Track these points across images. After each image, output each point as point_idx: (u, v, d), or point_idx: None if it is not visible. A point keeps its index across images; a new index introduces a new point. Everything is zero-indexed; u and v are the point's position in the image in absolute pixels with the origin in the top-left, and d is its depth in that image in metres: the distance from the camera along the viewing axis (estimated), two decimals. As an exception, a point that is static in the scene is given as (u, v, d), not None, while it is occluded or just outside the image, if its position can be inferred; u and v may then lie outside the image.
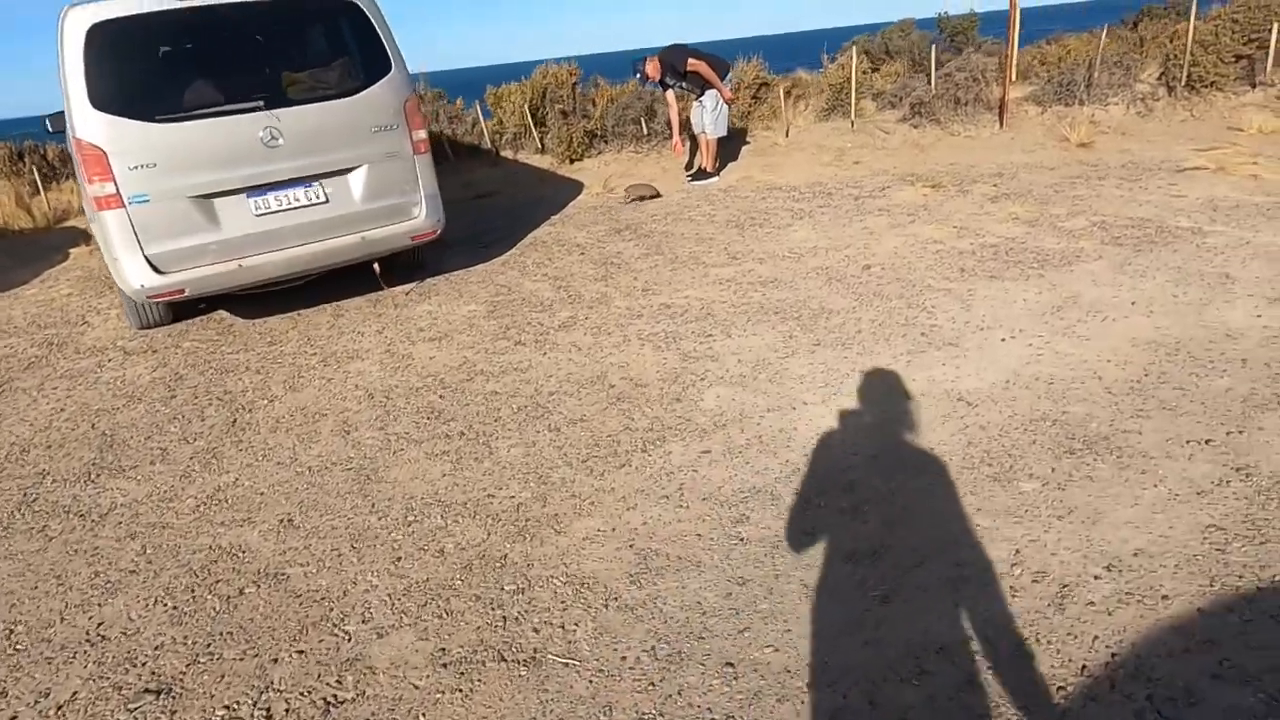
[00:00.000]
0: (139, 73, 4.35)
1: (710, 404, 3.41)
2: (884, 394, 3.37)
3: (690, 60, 7.77)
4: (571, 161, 9.41)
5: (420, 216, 5.13)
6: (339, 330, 4.78)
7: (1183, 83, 8.18)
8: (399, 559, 2.56)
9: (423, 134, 5.09)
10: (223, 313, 5.31)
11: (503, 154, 9.88)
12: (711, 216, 6.63)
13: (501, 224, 7.10)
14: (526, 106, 9.57)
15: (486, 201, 8.33)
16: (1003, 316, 4.05)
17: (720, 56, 8.01)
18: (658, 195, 7.58)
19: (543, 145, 9.61)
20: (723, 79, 8.00)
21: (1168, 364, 3.38)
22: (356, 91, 4.81)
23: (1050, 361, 3.52)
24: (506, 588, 2.37)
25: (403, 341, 4.50)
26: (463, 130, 10.01)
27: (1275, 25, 7.83)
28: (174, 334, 5.00)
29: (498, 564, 2.49)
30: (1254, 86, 8.06)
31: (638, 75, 7.98)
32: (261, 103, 4.51)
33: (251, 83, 4.62)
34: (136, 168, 4.28)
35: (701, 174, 8.23)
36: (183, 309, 5.23)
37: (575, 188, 8.40)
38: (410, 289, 5.42)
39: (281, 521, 2.84)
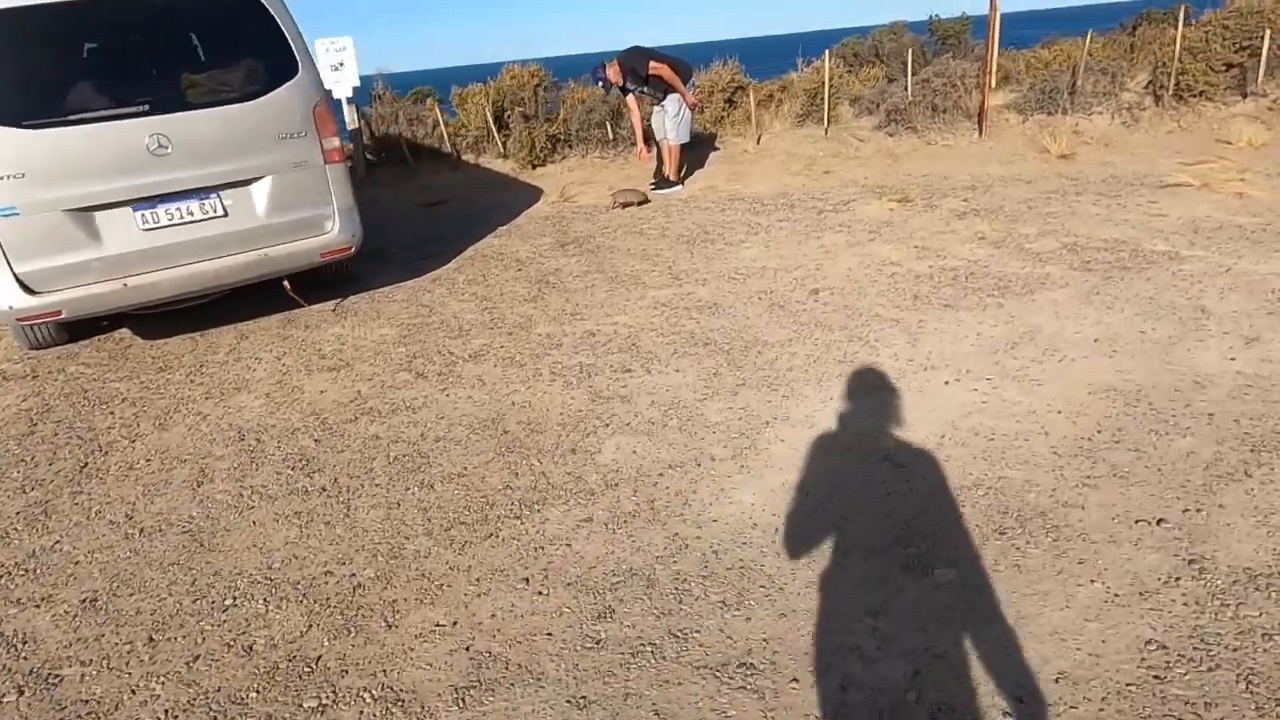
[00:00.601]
0: (6, 74, 3.95)
1: (607, 457, 3.01)
2: (801, 450, 2.97)
3: (652, 64, 7.37)
4: (534, 167, 9.01)
5: (333, 231, 4.73)
6: (237, 355, 4.38)
7: (1170, 92, 7.78)
8: (196, 658, 2.16)
9: (335, 141, 4.69)
10: (125, 332, 4.92)
11: (464, 158, 9.48)
12: (664, 230, 6.24)
13: (447, 234, 6.70)
14: (489, 109, 9.17)
15: (439, 209, 7.94)
16: (950, 354, 3.65)
17: (683, 59, 7.62)
18: (646, 201, 7.27)
19: (505, 149, 9.21)
20: (685, 83, 7.61)
21: (1125, 417, 2.98)
22: (258, 95, 4.41)
23: (995, 411, 3.12)
24: (306, 704, 1.98)
25: (299, 371, 4.10)
26: (423, 133, 9.61)
27: (1268, 32, 7.43)
28: (64, 356, 4.60)
29: (307, 669, 2.09)
30: (1245, 96, 7.66)
31: (599, 82, 7.58)
32: (145, 107, 4.11)
33: (138, 85, 4.22)
34: (2, 178, 3.88)
35: (664, 182, 7.84)
36: (81, 327, 4.84)
37: (533, 195, 8.01)
38: (332, 306, 5.02)
39: (84, 602, 2.44)
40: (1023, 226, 5.43)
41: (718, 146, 8.90)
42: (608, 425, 3.25)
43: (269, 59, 4.45)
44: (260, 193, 4.48)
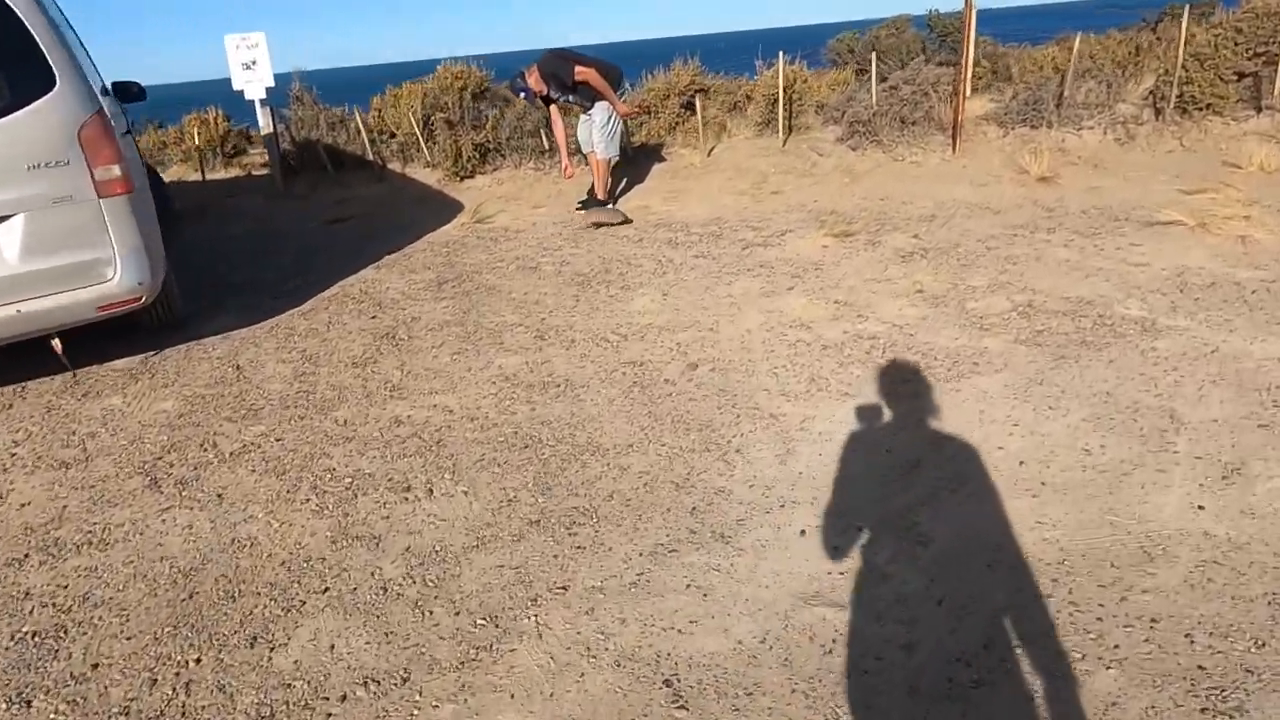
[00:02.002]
0: None
1: (287, 661, 2.13)
2: (559, 661, 2.07)
3: (577, 68, 6.44)
4: (461, 179, 8.14)
5: (114, 280, 3.86)
6: (-26, 436, 3.54)
7: (1171, 104, 6.76)
8: None
9: (115, 170, 3.82)
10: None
11: (391, 167, 8.62)
12: (562, 266, 5.34)
13: (322, 263, 5.85)
14: (413, 113, 8.29)
15: (338, 227, 7.09)
16: (823, 482, 2.74)
17: (611, 62, 6.68)
18: (627, 221, 6.43)
19: (432, 159, 8.33)
20: (615, 88, 6.69)
21: (1027, 622, 2.06)
22: (-1, 116, 3.56)
23: (848, 598, 2.21)
24: None
25: (24, 465, 3.26)
26: (346, 139, 8.75)
27: (1288, 37, 6.40)
28: None
29: None
30: (1259, 111, 6.63)
31: (519, 92, 6.64)
32: None
33: None
34: None
35: (592, 201, 6.92)
36: None
37: (449, 212, 7.14)
38: (135, 364, 4.17)
39: None
40: (973, 276, 4.48)
41: (665, 157, 7.97)
42: (323, 592, 2.37)
43: (12, 69, 3.59)
44: (8, 235, 3.62)
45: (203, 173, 8.70)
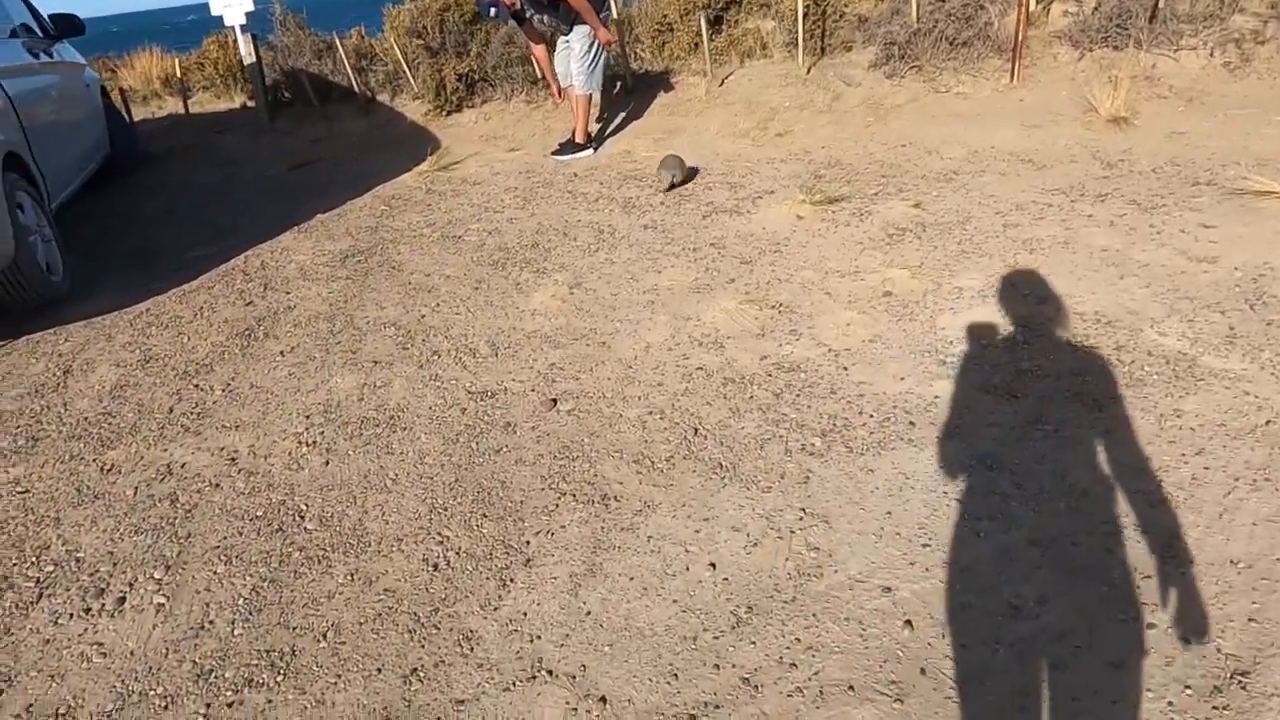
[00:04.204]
0: None
1: None
2: None
3: (555, -17, 5.45)
4: (447, 114, 7.31)
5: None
6: None
7: (1306, 16, 5.17)
8: None
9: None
10: None
11: (380, 98, 7.85)
12: (489, 235, 4.53)
13: (247, 224, 5.23)
14: (396, 39, 7.45)
15: (296, 175, 6.45)
16: (620, 631, 1.93)
17: (593, -21, 5.62)
18: (690, 175, 5.14)
19: (418, 89, 7.52)
20: (599, 11, 5.67)
21: None
22: None
23: None
24: None
25: None
26: (333, 68, 8.01)
27: None
28: None
29: None
30: None
31: (488, 9, 5.64)
32: None
33: None
34: None
35: (569, 144, 6.02)
36: None
37: (418, 156, 6.34)
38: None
39: None
40: (968, 272, 3.42)
41: (673, 86, 6.87)
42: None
43: None
44: None
45: (185, 106, 8.17)
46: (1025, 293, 3.20)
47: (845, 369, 2.85)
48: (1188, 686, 1.66)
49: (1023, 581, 1.94)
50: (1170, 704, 1.63)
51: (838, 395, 2.71)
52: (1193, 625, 1.78)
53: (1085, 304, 3.07)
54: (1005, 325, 3.00)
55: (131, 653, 2.03)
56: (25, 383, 3.47)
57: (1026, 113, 5.36)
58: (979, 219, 3.92)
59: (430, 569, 2.18)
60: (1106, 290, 3.15)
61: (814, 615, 1.92)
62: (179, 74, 8.35)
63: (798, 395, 2.74)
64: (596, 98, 6.08)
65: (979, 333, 2.96)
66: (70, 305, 4.17)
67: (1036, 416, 2.49)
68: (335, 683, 1.89)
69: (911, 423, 2.53)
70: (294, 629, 2.04)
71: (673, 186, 4.90)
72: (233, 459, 2.77)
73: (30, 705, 1.91)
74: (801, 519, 2.21)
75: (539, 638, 1.95)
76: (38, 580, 2.30)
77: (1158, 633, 1.78)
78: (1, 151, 3.91)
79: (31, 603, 2.22)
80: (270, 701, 1.85)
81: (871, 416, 2.59)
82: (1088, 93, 5.24)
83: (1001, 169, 4.57)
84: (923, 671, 1.75)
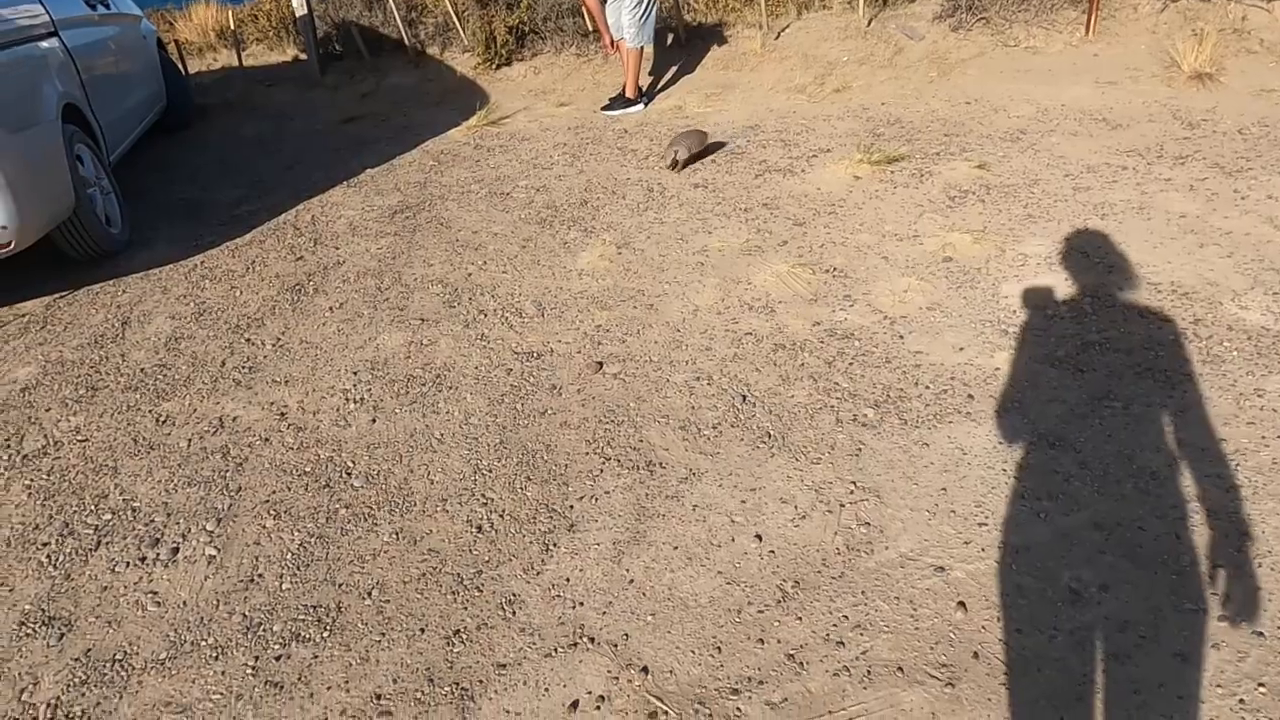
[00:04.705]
0: None
1: None
2: None
3: (600, -73, 5.30)
4: (496, 67, 7.21)
5: (-30, 220, 3.41)
6: None
7: None
8: None
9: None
10: None
11: (430, 51, 7.78)
12: (538, 193, 4.47)
13: (296, 177, 5.25)
14: (447, -13, 7.34)
15: (349, 128, 6.45)
16: (657, 609, 1.90)
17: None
18: (708, 150, 4.60)
19: (468, 41, 7.43)
20: (651, -40, 5.52)
21: None
22: None
23: None
24: None
25: None
26: (383, 19, 7.95)
27: None
28: None
29: None
30: None
31: None
32: None
33: None
34: None
35: (620, 99, 5.90)
36: None
37: (467, 110, 6.29)
38: (40, 308, 3.79)
39: None
40: (1034, 237, 3.26)
41: (726, 39, 6.67)
42: (-52, 716, 1.84)
43: None
44: None
45: (239, 59, 8.21)
46: (1095, 260, 3.05)
47: (901, 337, 2.75)
48: (1261, 684, 1.57)
49: (1084, 566, 1.86)
50: (1242, 701, 1.55)
51: (893, 365, 2.62)
52: (1269, 619, 1.68)
53: (1160, 274, 2.91)
54: (1073, 295, 2.86)
55: (184, 603, 2.07)
56: (86, 333, 3.54)
57: (1102, 68, 5.08)
58: (1047, 181, 3.74)
59: (474, 531, 2.18)
60: (1184, 259, 2.98)
61: (863, 593, 1.87)
62: (233, 26, 8.37)
63: (850, 364, 2.65)
64: (648, 50, 5.93)
65: (1044, 302, 2.83)
66: (127, 257, 4.24)
67: (1104, 392, 2.38)
68: (380, 641, 1.90)
69: (970, 395, 2.43)
70: (340, 585, 2.06)
71: (676, 164, 4.37)
72: (282, 414, 2.80)
73: (89, 650, 1.97)
74: (852, 493, 2.15)
75: (581, 604, 1.93)
76: (96, 528, 2.36)
77: (1229, 626, 1.69)
78: (61, 104, 3.96)
79: (90, 550, 2.28)
80: (316, 657, 1.88)
81: (928, 388, 2.50)
82: (1169, 47, 4.93)
83: (1073, 128, 4.34)
84: (976, 655, 1.70)
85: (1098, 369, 2.47)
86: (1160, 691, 1.59)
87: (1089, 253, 3.10)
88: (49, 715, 1.81)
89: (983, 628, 1.76)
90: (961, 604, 1.81)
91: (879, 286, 3.07)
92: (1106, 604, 1.77)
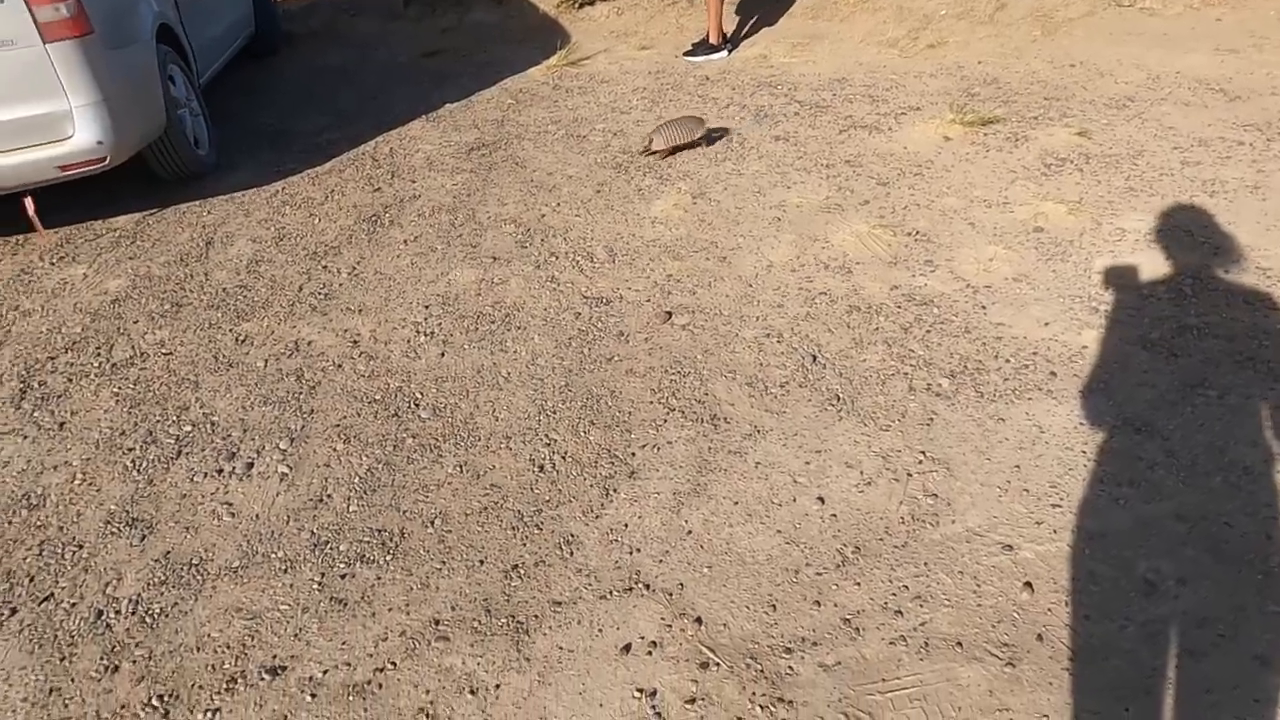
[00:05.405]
0: None
1: None
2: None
3: None
4: (579, 6, 7.09)
5: (73, 136, 3.52)
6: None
7: None
8: None
9: (63, 9, 3.37)
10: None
11: (514, -14, 7.69)
12: (614, 137, 4.41)
13: (376, 110, 5.29)
14: (533, -78, 7.20)
15: (430, 62, 6.43)
16: (714, 562, 1.90)
17: None
18: (698, 142, 4.02)
19: (553, -23, 7.30)
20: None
21: None
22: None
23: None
24: None
25: (-53, 344, 3.11)
26: (469, -50, 7.85)
27: None
28: None
29: None
30: None
31: None
32: None
33: None
34: None
35: (703, 45, 5.75)
36: None
37: (547, 50, 6.22)
38: (131, 224, 3.92)
39: None
40: (1134, 211, 3.09)
41: (818, -13, 6.41)
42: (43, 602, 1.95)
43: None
44: (-42, 83, 3.33)
45: (325, -13, 8.22)
46: (1200, 240, 2.87)
47: (983, 308, 2.65)
48: (1347, 696, 1.50)
49: (1163, 557, 1.79)
50: (1323, 712, 1.48)
51: (972, 335, 2.53)
52: (1361, 630, 1.60)
53: (1271, 258, 2.73)
54: (1172, 275, 2.71)
55: (257, 516, 2.15)
56: (172, 250, 3.66)
57: (1224, 34, 4.73)
58: (1153, 153, 3.52)
59: (536, 469, 2.20)
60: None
61: (925, 564, 1.83)
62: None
63: (928, 331, 2.57)
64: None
65: (1140, 281, 2.69)
66: (213, 179, 4.35)
67: (1198, 380, 2.26)
68: (440, 569, 1.95)
69: (1053, 372, 2.34)
70: (404, 512, 2.11)
71: (649, 151, 3.93)
72: (355, 341, 2.85)
73: (168, 552, 2.06)
74: (920, 463, 2.10)
75: (638, 551, 1.94)
76: (178, 438, 2.46)
77: None
78: (155, 23, 4.03)
79: (171, 458, 2.38)
80: (379, 579, 1.93)
81: (1008, 361, 2.41)
82: (1303, 14, 4.56)
83: (1186, 98, 4.07)
84: (1039, 638, 1.65)
85: (1193, 354, 2.35)
86: (1235, 693, 1.53)
87: (1193, 231, 2.93)
88: (130, 610, 1.90)
89: (1049, 610, 1.71)
90: (1028, 584, 1.76)
91: (963, 253, 2.96)
92: (1184, 598, 1.70)
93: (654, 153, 3.99)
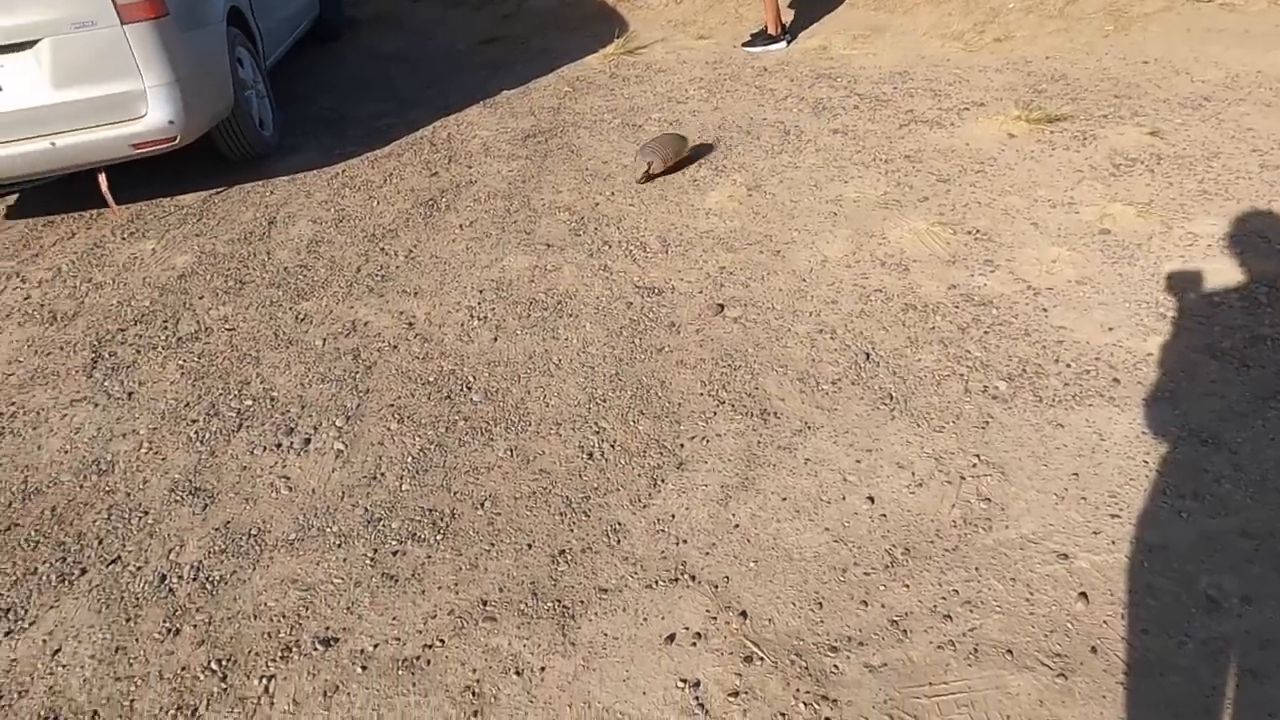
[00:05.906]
0: None
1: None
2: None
3: None
4: (639, -10, 7.07)
5: (146, 115, 3.64)
6: None
7: None
8: None
9: (142, -9, 3.47)
10: None
11: (573, -28, 7.69)
12: (668, 126, 4.40)
13: (434, 95, 5.35)
14: (594, -90, 7.19)
15: (488, 49, 6.49)
16: (760, 557, 1.90)
17: None
18: (684, 162, 3.87)
19: (611, -34, 7.29)
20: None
21: None
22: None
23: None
24: None
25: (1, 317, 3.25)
26: (530, -63, 7.87)
27: None
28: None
29: None
30: None
31: None
32: None
33: None
34: None
35: (762, 36, 5.70)
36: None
37: (605, 37, 6.22)
38: (198, 202, 4.05)
39: None
40: (1206, 215, 2.99)
41: (882, -22, 6.30)
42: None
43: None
44: (41, 61, 3.46)
45: (387, -27, 8.32)
46: (1278, 247, 2.76)
47: (1044, 310, 2.59)
48: None
49: (1227, 573, 1.73)
50: (1395, 742, 1.42)
51: (1032, 338, 2.48)
52: None
53: (1353, 268, 2.61)
54: (1246, 282, 2.61)
55: (313, 490, 2.20)
56: (236, 229, 3.76)
57: (1309, 33, 4.53)
58: (1229, 155, 3.39)
59: (585, 456, 2.22)
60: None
61: (977, 569, 1.80)
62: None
63: (986, 332, 2.52)
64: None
65: (1211, 287, 2.60)
66: (277, 160, 4.45)
67: (1271, 392, 2.18)
68: (489, 550, 1.98)
69: (1115, 379, 2.28)
70: (455, 493, 2.15)
71: (649, 176, 3.74)
72: (410, 324, 2.90)
73: (228, 521, 2.13)
74: (975, 466, 2.06)
75: (685, 542, 1.95)
76: (239, 412, 2.53)
77: None
78: (226, 7, 4.13)
79: (233, 431, 2.45)
80: (430, 558, 1.97)
81: (1069, 366, 2.35)
82: (1398, 12, 4.34)
83: (1267, 98, 3.91)
84: (1093, 650, 1.62)
85: (1266, 366, 2.26)
86: (1299, 717, 1.48)
87: (1271, 238, 2.82)
88: (192, 576, 1.97)
89: (1104, 622, 1.67)
90: (1083, 595, 1.72)
91: (1025, 254, 2.89)
92: (1248, 617, 1.65)
93: (654, 176, 3.76)
